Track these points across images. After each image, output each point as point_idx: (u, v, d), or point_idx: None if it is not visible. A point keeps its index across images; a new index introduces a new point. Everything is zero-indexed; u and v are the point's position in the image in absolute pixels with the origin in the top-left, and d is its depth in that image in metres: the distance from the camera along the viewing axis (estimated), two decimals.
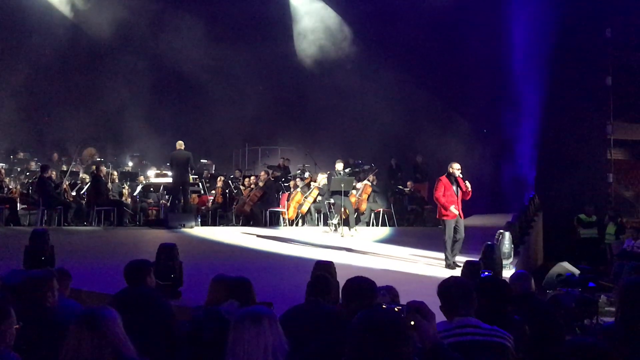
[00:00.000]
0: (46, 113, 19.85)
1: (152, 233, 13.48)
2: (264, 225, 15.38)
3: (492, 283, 4.35)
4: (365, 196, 15.61)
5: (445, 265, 9.73)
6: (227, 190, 16.41)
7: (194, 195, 15.81)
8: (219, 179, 16.64)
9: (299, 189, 15.76)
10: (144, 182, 16.37)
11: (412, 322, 2.60)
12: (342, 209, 13.52)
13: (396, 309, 2.61)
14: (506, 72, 18.68)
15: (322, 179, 15.04)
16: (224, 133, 20.26)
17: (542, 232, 16.87)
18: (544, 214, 17.20)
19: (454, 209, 9.66)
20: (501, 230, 10.34)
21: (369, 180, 15.80)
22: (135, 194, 15.76)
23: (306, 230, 14.89)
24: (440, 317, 3.12)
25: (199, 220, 15.29)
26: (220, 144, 21.17)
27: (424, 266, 10.02)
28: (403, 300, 4.06)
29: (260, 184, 15.77)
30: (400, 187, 17.47)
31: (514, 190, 18.15)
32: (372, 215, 15.96)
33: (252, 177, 16.52)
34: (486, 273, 6.69)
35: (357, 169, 17.08)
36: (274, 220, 15.84)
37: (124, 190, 15.39)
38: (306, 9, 20.94)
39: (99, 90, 19.31)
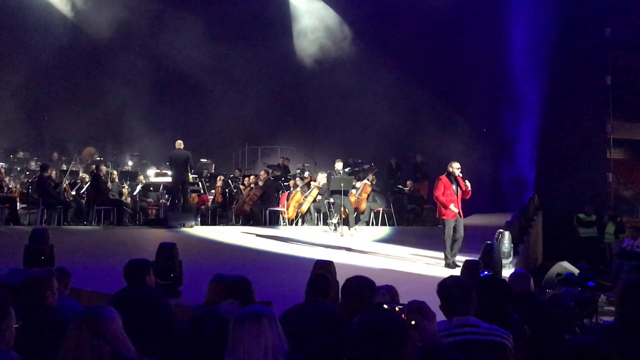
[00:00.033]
0: (46, 112, 19.83)
1: (152, 232, 13.48)
2: (263, 224, 15.39)
3: (491, 282, 4.35)
4: (364, 195, 15.61)
5: (445, 264, 9.74)
6: (226, 190, 16.41)
7: (193, 195, 15.81)
8: (218, 178, 16.65)
9: (298, 189, 15.76)
10: (144, 181, 16.38)
11: (413, 322, 2.60)
12: (342, 209, 13.52)
13: (397, 309, 2.61)
14: (506, 72, 18.68)
15: (322, 178, 15.03)
16: (224, 132, 20.27)
17: (541, 232, 16.88)
18: (543, 214, 17.21)
19: (454, 207, 9.66)
20: (501, 230, 10.35)
21: (368, 180, 15.80)
22: (135, 194, 15.77)
23: (306, 230, 14.89)
24: (440, 316, 3.13)
25: (199, 219, 15.30)
26: (220, 144, 21.17)
27: (424, 265, 10.03)
28: (403, 300, 4.06)
29: (260, 183, 15.77)
30: (400, 186, 17.47)
31: (514, 190, 18.15)
32: (372, 214, 15.96)
33: (252, 177, 16.52)
34: (486, 272, 6.69)
35: (356, 169, 17.08)
36: (273, 220, 15.84)
37: (123, 189, 15.39)
38: (306, 8, 20.95)
39: (99, 90, 19.31)
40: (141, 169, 17.60)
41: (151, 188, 16.20)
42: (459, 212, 9.74)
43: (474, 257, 8.01)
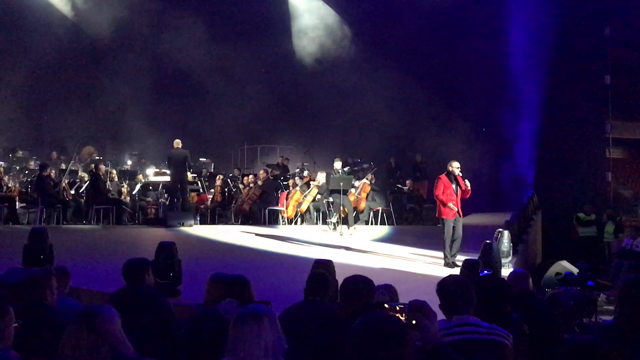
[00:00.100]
0: (45, 112, 19.83)
1: (151, 232, 13.48)
2: (262, 224, 15.38)
3: (491, 282, 4.35)
4: (364, 195, 15.61)
5: (444, 263, 9.74)
6: (226, 189, 16.41)
7: (192, 194, 15.80)
8: (218, 177, 16.64)
9: (298, 188, 15.76)
10: (143, 180, 16.36)
11: (414, 321, 2.60)
12: (341, 208, 13.53)
13: (397, 308, 2.61)
14: (505, 71, 18.70)
15: (321, 178, 15.03)
16: (223, 132, 20.27)
17: (541, 231, 16.89)
18: (542, 213, 17.22)
19: (453, 206, 9.67)
20: (500, 229, 10.35)
21: (367, 179, 15.80)
22: (134, 193, 15.76)
23: (305, 229, 14.90)
24: (439, 316, 3.13)
25: (198, 218, 15.31)
26: (220, 143, 21.17)
27: (423, 265, 10.03)
28: (402, 299, 4.06)
29: (259, 182, 15.77)
30: (399, 185, 17.48)
31: (513, 189, 18.18)
32: (371, 214, 15.96)
33: (251, 176, 16.51)
34: (485, 272, 6.69)
35: (355, 168, 17.08)
36: (272, 219, 15.84)
37: (123, 188, 15.38)
38: (305, 7, 20.94)
39: (98, 89, 19.32)
40: (140, 168, 17.59)
41: (150, 187, 16.19)
42: (458, 212, 9.75)
43: (474, 257, 8.00)
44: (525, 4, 18.57)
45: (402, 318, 2.61)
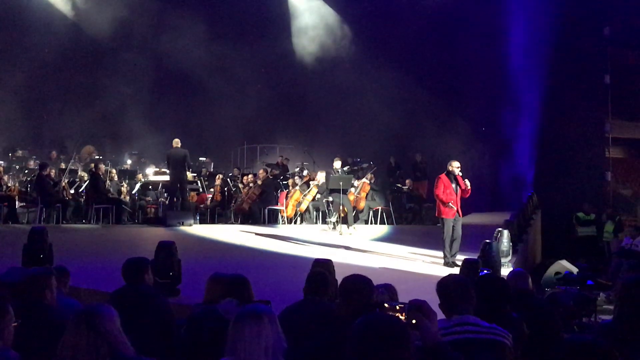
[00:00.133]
0: (45, 111, 19.82)
1: (151, 231, 13.48)
2: (262, 223, 15.38)
3: (490, 281, 4.35)
4: (363, 194, 15.60)
5: (444, 263, 9.74)
6: (225, 189, 16.40)
7: (192, 193, 15.80)
8: (217, 177, 16.64)
9: (297, 187, 15.75)
10: (143, 180, 16.36)
11: (414, 321, 2.61)
12: (341, 207, 13.52)
13: (397, 307, 2.61)
14: (505, 71, 18.70)
15: (321, 177, 15.02)
16: (223, 131, 20.25)
17: (540, 230, 16.89)
18: (542, 212, 17.22)
19: (452, 205, 9.68)
20: (500, 229, 10.35)
21: (367, 179, 15.79)
22: (133, 192, 15.76)
23: (304, 229, 14.89)
24: (439, 315, 3.13)
25: (198, 218, 15.31)
26: (219, 142, 21.16)
27: (423, 264, 10.03)
28: (402, 299, 4.06)
29: (259, 182, 15.77)
30: (399, 185, 17.48)
31: (513, 189, 18.18)
32: (371, 213, 15.95)
33: (250, 175, 16.50)
34: (485, 271, 6.69)
35: (355, 167, 17.08)
36: (272, 219, 15.84)
37: (122, 188, 15.38)
38: (305, 6, 20.94)
39: (98, 89, 19.31)
40: (140, 168, 17.59)
41: (150, 187, 16.19)
42: (457, 211, 9.75)
43: (473, 256, 8.01)
44: (525, 4, 18.56)
45: (402, 317, 2.61)
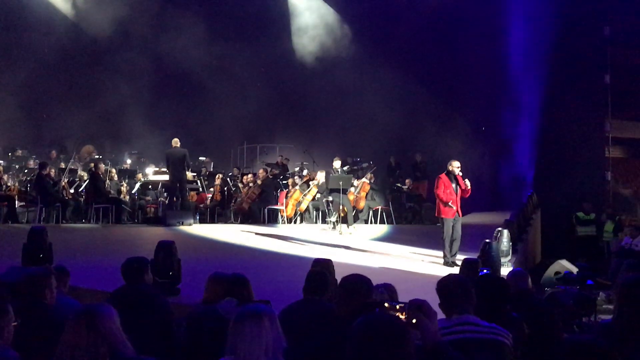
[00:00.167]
0: (45, 111, 19.82)
1: (150, 230, 13.48)
2: (262, 223, 15.38)
3: (490, 281, 4.35)
4: (363, 194, 15.60)
5: (444, 263, 9.74)
6: (225, 188, 16.41)
7: (192, 193, 15.80)
8: (217, 176, 16.65)
9: (297, 187, 15.75)
10: (142, 179, 16.36)
11: (414, 320, 2.60)
12: (340, 207, 13.52)
13: (397, 307, 2.61)
14: (505, 71, 18.70)
15: (321, 177, 15.01)
16: (223, 131, 20.26)
17: (540, 230, 16.89)
18: (542, 212, 17.22)
19: (452, 204, 9.68)
20: (499, 228, 10.36)
21: (367, 178, 15.79)
22: (133, 192, 15.76)
23: (304, 228, 14.89)
24: (439, 315, 3.13)
25: (197, 217, 15.31)
26: (219, 142, 21.16)
27: (422, 264, 10.03)
28: (402, 298, 4.06)
29: (259, 181, 15.77)
30: (399, 185, 17.47)
31: (513, 188, 18.17)
32: (371, 213, 15.95)
33: (250, 175, 16.50)
34: (484, 271, 6.69)
35: (355, 167, 17.08)
36: (272, 218, 15.83)
37: (122, 187, 15.38)
38: (305, 5, 20.94)
39: (98, 88, 19.31)
40: (140, 167, 17.59)
41: (150, 186, 16.19)
42: (457, 211, 9.76)
43: (473, 256, 8.01)
44: (525, 4, 18.56)
45: (402, 317, 2.60)
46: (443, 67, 19.54)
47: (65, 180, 14.82)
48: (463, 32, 18.78)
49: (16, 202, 14.15)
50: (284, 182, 16.71)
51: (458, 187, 9.78)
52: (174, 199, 14.53)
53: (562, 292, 9.21)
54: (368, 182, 15.73)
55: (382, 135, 18.73)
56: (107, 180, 14.99)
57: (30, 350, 3.51)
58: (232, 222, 15.75)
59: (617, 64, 19.12)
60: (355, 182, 15.42)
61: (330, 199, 13.86)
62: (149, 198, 15.94)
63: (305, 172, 17.15)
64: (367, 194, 15.73)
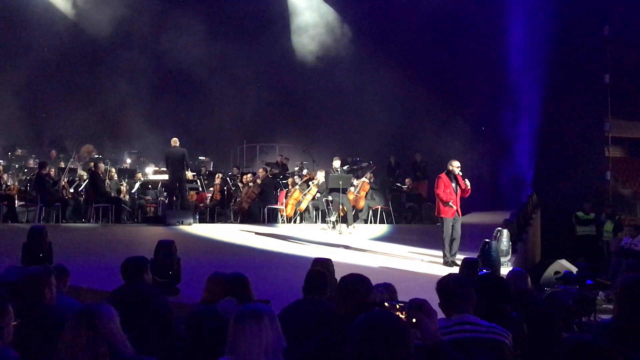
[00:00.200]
0: (45, 110, 19.82)
1: (150, 230, 13.48)
2: (262, 222, 15.38)
3: (490, 280, 4.35)
4: (363, 193, 15.60)
5: (443, 262, 9.74)
6: (225, 188, 16.41)
7: (192, 193, 15.80)
8: (217, 176, 16.65)
9: (297, 187, 15.75)
10: (142, 179, 16.37)
11: (414, 320, 2.60)
12: (340, 207, 13.52)
13: (397, 306, 2.61)
14: (505, 71, 18.70)
15: (321, 177, 15.02)
16: (223, 130, 20.26)
17: (540, 230, 16.89)
18: (541, 212, 17.22)
19: (452, 205, 9.68)
20: (499, 228, 10.36)
21: (366, 178, 15.79)
22: (133, 191, 15.76)
23: (304, 228, 14.89)
24: (439, 314, 3.13)
25: (197, 217, 15.30)
26: (219, 141, 21.17)
27: (422, 264, 10.03)
28: (401, 298, 4.07)
29: (258, 181, 15.77)
30: (398, 184, 17.47)
31: (512, 188, 18.18)
32: (370, 212, 15.95)
33: (250, 175, 16.50)
34: (484, 270, 6.70)
35: (355, 167, 17.08)
36: (272, 218, 15.83)
37: (122, 187, 15.38)
38: (305, 5, 20.94)
39: (98, 88, 19.32)
40: (139, 167, 17.59)
41: (149, 186, 16.19)
42: (457, 211, 9.76)
43: (473, 255, 8.01)
44: (525, 4, 18.57)
45: (402, 316, 2.61)
46: (443, 67, 19.54)
47: (65, 179, 14.82)
48: (463, 32, 18.78)
49: (16, 201, 14.15)
50: (284, 181, 16.70)
51: (458, 186, 9.78)
52: (174, 198, 14.53)
53: (562, 292, 9.22)
54: (368, 181, 15.73)
55: (382, 135, 18.73)
56: (107, 180, 14.99)
57: (30, 349, 3.51)
58: (231, 222, 15.75)
59: (617, 63, 19.12)
60: (355, 182, 15.43)
61: (330, 198, 13.87)
62: (148, 197, 15.94)
63: (305, 171, 17.15)
64: (366, 193, 15.73)
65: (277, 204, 15.90)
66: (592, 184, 18.59)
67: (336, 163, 13.89)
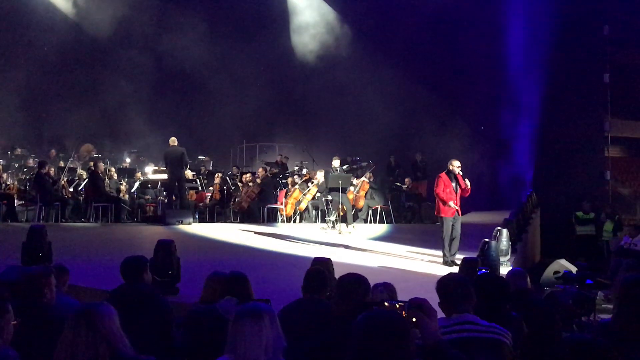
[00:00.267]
0: (44, 109, 19.82)
1: (150, 229, 13.48)
2: (261, 222, 15.37)
3: (490, 280, 4.35)
4: (362, 193, 15.60)
5: (443, 262, 9.74)
6: (224, 187, 16.40)
7: (191, 192, 15.80)
8: (216, 175, 16.64)
9: (297, 186, 15.74)
10: (142, 178, 16.37)
11: (414, 319, 2.60)
12: (340, 206, 13.52)
13: (397, 306, 2.61)
14: (504, 70, 18.71)
15: (321, 177, 15.01)
16: (223, 129, 20.26)
17: (539, 229, 16.89)
18: (541, 211, 17.22)
19: (452, 204, 9.69)
20: (499, 228, 10.35)
21: (366, 177, 15.79)
22: (132, 191, 15.76)
23: (304, 227, 14.89)
24: (438, 314, 3.13)
25: (197, 216, 15.30)
26: (219, 141, 21.17)
27: (422, 263, 10.03)
28: (401, 297, 4.07)
29: (258, 180, 15.76)
30: (398, 184, 17.47)
31: (512, 188, 18.19)
32: (370, 212, 15.96)
33: (249, 174, 16.49)
34: (483, 270, 6.70)
35: (354, 166, 17.08)
36: (271, 217, 15.82)
37: (121, 186, 15.38)
38: (305, 4, 20.94)
39: (98, 87, 19.33)
40: (139, 166, 17.59)
41: (149, 185, 16.19)
42: (457, 210, 9.76)
43: (472, 255, 8.01)
44: (525, 4, 18.57)
45: (402, 316, 2.61)
46: (443, 67, 19.54)
47: (65, 179, 14.83)
48: (463, 32, 18.79)
49: (15, 200, 14.15)
50: (284, 181, 16.70)
51: (458, 186, 9.78)
52: (173, 197, 14.52)
53: (562, 292, 9.22)
54: (367, 181, 15.73)
55: (382, 135, 18.73)
56: (107, 179, 14.99)
57: (29, 349, 3.51)
58: (231, 221, 15.74)
59: (616, 63, 19.14)
60: (355, 181, 15.43)
61: (330, 198, 13.86)
62: (148, 197, 15.94)
63: (304, 171, 17.15)
64: (366, 193, 15.73)
65: (276, 203, 15.90)
66: (591, 184, 18.61)
67: (336, 162, 13.88)
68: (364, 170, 16.45)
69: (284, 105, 21.22)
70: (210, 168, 18.66)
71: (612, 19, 18.78)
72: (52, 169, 15.01)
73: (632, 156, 20.68)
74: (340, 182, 13.29)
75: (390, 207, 16.33)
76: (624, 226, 15.64)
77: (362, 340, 2.29)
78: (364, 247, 11.63)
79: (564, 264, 11.23)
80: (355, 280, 3.77)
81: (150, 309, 4.67)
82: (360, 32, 20.39)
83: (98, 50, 19.80)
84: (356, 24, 20.50)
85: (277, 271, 9.01)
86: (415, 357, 2.37)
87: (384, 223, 15.91)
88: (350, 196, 14.70)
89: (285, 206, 15.56)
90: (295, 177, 16.40)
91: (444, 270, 8.42)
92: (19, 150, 17.76)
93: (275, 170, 17.23)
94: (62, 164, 16.32)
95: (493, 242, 9.11)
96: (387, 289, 4.46)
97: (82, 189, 15.08)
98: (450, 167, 9.80)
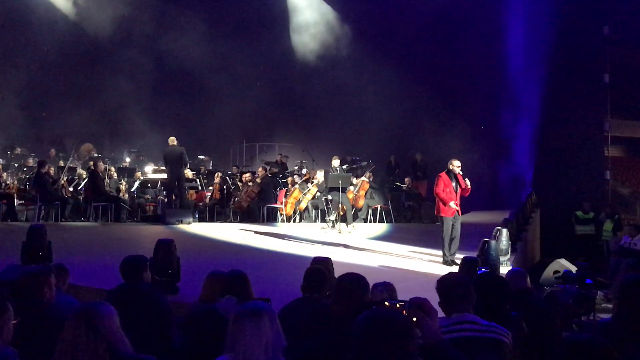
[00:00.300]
0: (44, 109, 19.83)
1: (150, 229, 13.47)
2: (261, 221, 15.37)
3: (490, 279, 4.35)
4: (362, 193, 15.60)
5: (443, 261, 9.74)
6: (224, 187, 16.41)
7: (191, 192, 15.80)
8: (216, 175, 16.65)
9: (297, 186, 15.74)
10: (142, 178, 16.37)
11: (415, 319, 2.60)
12: (340, 206, 13.52)
13: (398, 305, 2.61)
14: (504, 70, 18.72)
15: (321, 176, 15.01)
16: (222, 129, 20.27)
17: (539, 229, 16.92)
18: (541, 211, 17.24)
19: (453, 205, 9.68)
20: (499, 227, 10.35)
21: (366, 177, 15.79)
22: (132, 190, 15.76)
23: (303, 227, 14.88)
24: (439, 313, 3.13)
25: (197, 216, 15.30)
26: (219, 140, 21.17)
27: (422, 263, 10.02)
28: (401, 297, 4.06)
29: (258, 180, 15.76)
30: (398, 183, 17.47)
31: (512, 188, 18.21)
32: (370, 211, 15.95)
33: (249, 174, 16.49)
34: (483, 270, 6.70)
35: (354, 166, 17.08)
36: (271, 217, 15.82)
37: (121, 186, 15.38)
38: (305, 4, 20.94)
39: (98, 87, 19.32)
40: (139, 166, 17.59)
41: (149, 185, 16.18)
42: (457, 210, 9.76)
43: (472, 255, 8.01)
44: (525, 4, 18.58)
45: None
46: (443, 66, 19.55)
47: (65, 178, 14.82)
48: (463, 32, 18.79)
49: (15, 200, 14.15)
50: (283, 180, 16.70)
51: (458, 186, 9.78)
52: (173, 197, 14.52)
53: (561, 291, 9.23)
54: (367, 180, 15.72)
55: (382, 134, 18.73)
56: (107, 179, 14.98)
57: (29, 348, 3.51)
58: (231, 221, 15.74)
59: (616, 63, 19.15)
60: (355, 181, 15.42)
61: (330, 197, 13.85)
62: (148, 196, 15.94)
63: (304, 170, 17.14)
64: (366, 192, 15.73)
65: (276, 203, 15.89)
66: (591, 184, 18.63)
67: (335, 162, 13.88)
68: (364, 170, 16.44)
69: (284, 105, 21.22)
70: (210, 167, 18.66)
71: (612, 19, 18.79)
72: (52, 169, 15.00)
73: (632, 156, 20.69)
74: (340, 181, 13.28)
75: (390, 207, 16.33)
76: (623, 226, 15.66)
77: (363, 340, 2.29)
78: (363, 246, 11.62)
79: (563, 264, 11.24)
80: (354, 279, 3.76)
81: (150, 308, 4.67)
82: (360, 32, 20.39)
83: (98, 50, 19.80)
84: (356, 24, 20.50)
85: (277, 271, 9.00)
86: (415, 356, 2.37)
87: (383, 223, 15.91)
88: (350, 196, 14.70)
89: (285, 206, 15.56)
90: (295, 176, 16.39)
91: (444, 270, 8.42)
92: (18, 150, 17.76)
93: (275, 170, 17.23)
94: (62, 163, 16.31)
95: (493, 242, 9.11)
96: (387, 289, 4.46)
97: (81, 188, 15.08)
98: (451, 167, 9.80)
